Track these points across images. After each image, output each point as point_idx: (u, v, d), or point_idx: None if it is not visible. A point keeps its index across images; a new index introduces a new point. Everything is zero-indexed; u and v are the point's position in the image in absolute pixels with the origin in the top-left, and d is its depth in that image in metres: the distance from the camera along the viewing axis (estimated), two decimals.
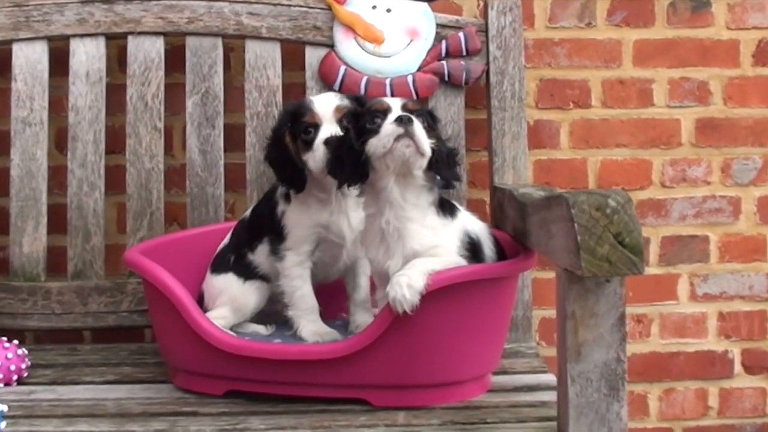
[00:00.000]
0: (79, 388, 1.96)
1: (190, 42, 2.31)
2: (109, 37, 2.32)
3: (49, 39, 2.31)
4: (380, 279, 1.84)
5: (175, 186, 2.40)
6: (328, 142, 1.87)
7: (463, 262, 1.76)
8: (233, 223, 2.15)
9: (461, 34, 2.30)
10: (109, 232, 2.38)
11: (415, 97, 2.28)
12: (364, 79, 2.28)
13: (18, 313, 2.26)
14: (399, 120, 1.69)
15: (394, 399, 1.77)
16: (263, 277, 2.04)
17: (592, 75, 2.47)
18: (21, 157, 2.29)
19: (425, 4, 2.31)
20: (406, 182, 1.75)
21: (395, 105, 1.75)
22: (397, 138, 1.68)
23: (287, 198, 2.00)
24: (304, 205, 1.97)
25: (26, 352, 2.02)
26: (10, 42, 2.30)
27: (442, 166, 1.76)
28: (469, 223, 1.85)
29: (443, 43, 2.30)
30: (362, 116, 1.77)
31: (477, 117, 2.38)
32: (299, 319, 1.99)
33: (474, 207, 2.32)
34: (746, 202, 2.49)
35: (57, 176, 2.34)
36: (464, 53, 2.30)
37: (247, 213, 2.13)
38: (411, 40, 2.29)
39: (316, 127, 1.93)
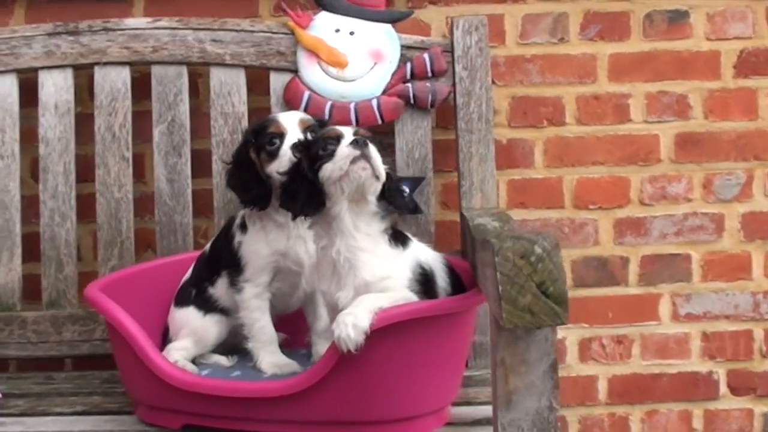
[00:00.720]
0: (47, 420, 2.03)
1: (156, 71, 2.35)
2: (77, 68, 2.36)
3: (18, 72, 2.36)
4: (331, 312, 1.86)
5: (148, 213, 2.42)
6: (295, 146, 1.90)
7: (413, 296, 1.77)
8: (194, 254, 2.19)
9: (426, 56, 2.30)
10: (87, 259, 2.45)
11: (380, 121, 2.30)
12: (328, 104, 2.30)
13: None
14: (355, 143, 1.73)
15: None
16: (223, 311, 2.08)
17: (566, 91, 2.46)
18: None
19: (389, 26, 2.31)
20: (359, 209, 1.77)
21: (347, 132, 1.78)
22: (354, 160, 1.72)
23: (243, 228, 2.04)
24: (262, 232, 2.01)
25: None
26: None
27: (395, 195, 1.80)
28: (421, 253, 1.86)
29: (408, 65, 2.30)
30: (314, 145, 1.80)
31: (448, 137, 2.38)
32: (258, 351, 2.02)
33: (447, 229, 2.37)
34: (730, 218, 2.46)
35: (33, 205, 2.39)
36: (430, 74, 2.30)
37: (207, 246, 2.16)
38: (375, 63, 2.31)
39: (282, 136, 1.98)
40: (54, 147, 2.36)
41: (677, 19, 2.43)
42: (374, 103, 2.30)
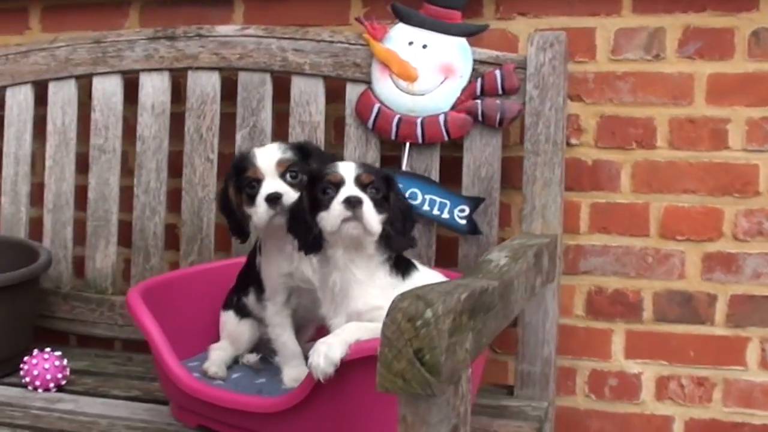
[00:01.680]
0: (99, 401, 2.22)
1: (241, 77, 2.49)
2: (172, 72, 2.54)
3: (123, 73, 2.58)
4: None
5: None
6: (269, 199, 1.97)
7: None
8: (237, 260, 2.32)
9: (498, 72, 2.27)
10: (174, 251, 2.63)
11: (446, 137, 2.31)
12: (396, 117, 2.33)
13: (88, 321, 2.60)
14: (347, 202, 1.77)
15: None
16: (256, 317, 2.20)
17: (658, 112, 2.34)
18: (97, 181, 2.60)
19: (463, 40, 2.31)
20: (356, 252, 1.83)
21: (349, 176, 1.81)
22: (345, 220, 1.78)
23: (261, 250, 2.15)
24: (271, 255, 2.10)
25: (66, 362, 2.30)
26: (90, 75, 2.60)
27: (393, 240, 1.82)
28: (423, 281, 1.84)
29: (479, 81, 2.29)
30: (317, 180, 1.84)
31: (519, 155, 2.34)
32: (282, 365, 2.12)
33: None
34: None
35: (128, 197, 2.60)
36: (500, 92, 2.27)
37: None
38: (445, 78, 2.31)
39: (259, 181, 2.03)
40: (149, 145, 2.56)
41: None
42: (441, 118, 2.30)
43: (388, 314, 1.39)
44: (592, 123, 2.40)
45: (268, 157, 2.04)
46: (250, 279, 2.18)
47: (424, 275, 1.90)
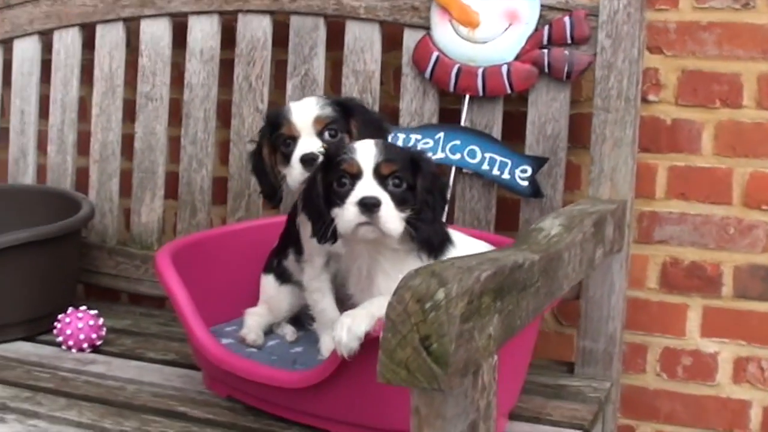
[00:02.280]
0: (132, 364, 2.16)
1: (294, 21, 2.37)
2: (222, 14, 2.44)
3: (171, 16, 2.49)
4: None
5: None
6: (304, 160, 1.84)
7: None
8: (277, 219, 2.22)
9: (567, 19, 2.10)
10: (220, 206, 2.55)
11: (509, 89, 2.16)
12: (456, 67, 2.19)
13: (133, 278, 2.54)
14: (362, 205, 1.62)
15: None
16: (297, 283, 2.09)
17: (746, 68, 2.16)
18: (143, 130, 2.53)
19: None
20: (378, 246, 1.69)
21: (367, 166, 1.65)
22: (360, 224, 1.63)
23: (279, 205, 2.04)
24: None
25: (101, 322, 2.25)
26: (138, 18, 2.52)
27: (422, 230, 1.66)
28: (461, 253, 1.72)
29: (546, 29, 2.13)
30: (333, 165, 1.69)
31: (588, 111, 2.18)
32: (320, 333, 2.02)
33: None
34: None
35: (175, 148, 2.54)
36: (570, 41, 2.11)
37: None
38: (510, 24, 2.15)
39: (294, 139, 1.89)
40: (197, 93, 2.48)
41: None
42: (504, 69, 2.16)
43: (395, 293, 1.24)
44: (672, 78, 2.23)
45: (304, 112, 1.90)
46: (289, 240, 2.08)
47: (462, 250, 1.75)
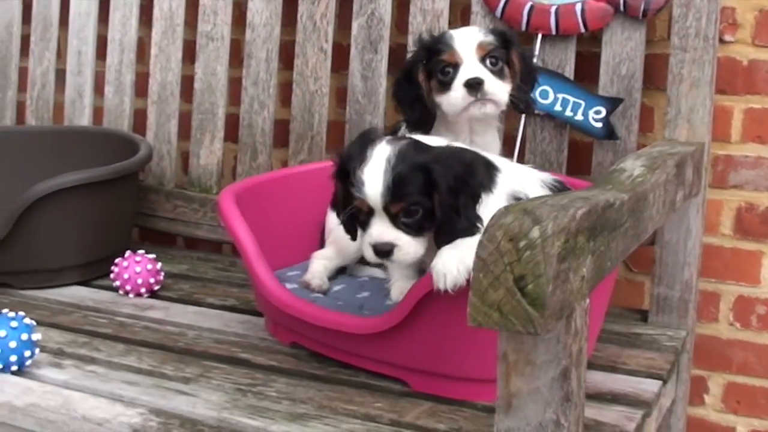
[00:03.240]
0: (191, 310, 2.19)
1: None
2: None
3: None
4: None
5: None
6: (470, 84, 1.87)
7: None
8: None
9: None
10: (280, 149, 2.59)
11: (583, 29, 2.17)
12: (528, 5, 2.20)
13: (191, 222, 2.58)
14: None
15: (435, 387, 1.75)
16: None
17: None
18: (203, 71, 2.56)
19: None
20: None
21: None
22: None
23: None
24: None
25: (159, 266, 2.28)
26: None
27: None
28: (516, 181, 1.76)
29: None
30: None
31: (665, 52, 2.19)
32: (394, 272, 2.02)
33: None
34: None
35: (234, 90, 2.58)
36: None
37: None
38: None
39: (456, 66, 1.91)
40: (259, 33, 2.50)
41: None
42: (578, 7, 2.16)
43: (486, 231, 1.23)
44: (749, 17, 2.22)
45: (467, 39, 1.92)
46: None
47: (517, 173, 1.80)
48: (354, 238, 1.77)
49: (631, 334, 2.09)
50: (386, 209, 1.65)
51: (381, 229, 1.66)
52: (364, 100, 2.40)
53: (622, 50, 2.17)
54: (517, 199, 1.71)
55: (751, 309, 2.31)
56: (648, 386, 1.84)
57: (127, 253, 2.28)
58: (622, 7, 2.15)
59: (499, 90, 1.88)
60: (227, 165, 2.66)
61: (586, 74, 2.23)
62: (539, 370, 1.31)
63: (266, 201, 2.17)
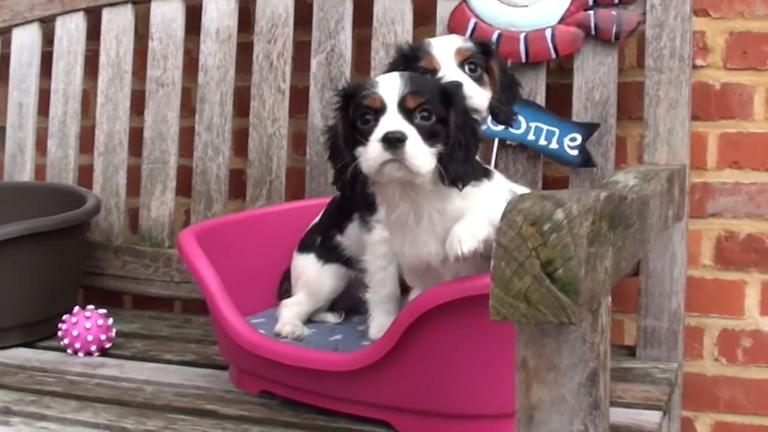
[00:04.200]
0: (147, 366, 2.07)
1: None
2: None
3: None
4: (415, 276, 1.71)
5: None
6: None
7: None
8: (310, 202, 2.17)
9: None
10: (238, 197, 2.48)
11: (554, 54, 2.13)
12: (496, 33, 2.16)
13: (142, 279, 2.45)
14: (386, 141, 1.51)
15: (425, 428, 1.63)
16: (346, 261, 2.01)
17: None
18: (153, 118, 2.46)
19: None
20: (412, 186, 1.58)
21: (391, 99, 1.54)
22: (385, 163, 1.52)
23: None
24: None
25: (111, 322, 2.15)
26: (149, 0, 2.47)
27: (452, 168, 1.54)
28: (513, 186, 1.68)
29: None
30: (354, 100, 1.58)
31: (636, 79, 2.18)
32: (374, 307, 1.94)
33: None
34: None
35: (185, 138, 2.48)
36: (617, 1, 2.09)
37: None
38: None
39: (434, 72, 1.83)
40: (212, 75, 2.42)
41: None
42: (548, 33, 2.13)
43: (503, 217, 1.12)
44: (719, 41, 2.21)
45: (446, 45, 1.85)
46: (352, 208, 1.97)
47: (501, 185, 1.67)
48: (352, 189, 1.60)
49: (620, 368, 2.00)
50: (402, 104, 1.53)
51: (393, 121, 1.52)
52: None
53: (595, 75, 2.14)
54: (515, 193, 1.57)
55: (736, 342, 2.24)
56: (649, 417, 1.77)
57: (76, 308, 2.15)
58: (593, 31, 2.12)
59: (478, 96, 1.79)
60: (179, 218, 2.54)
61: (559, 101, 2.19)
62: (564, 376, 1.18)
63: (227, 245, 2.06)
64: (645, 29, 2.09)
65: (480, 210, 1.55)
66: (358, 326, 2.00)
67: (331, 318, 2.05)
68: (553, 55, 2.15)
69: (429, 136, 1.53)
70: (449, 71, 1.80)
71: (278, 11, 2.36)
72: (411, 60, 1.86)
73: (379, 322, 1.91)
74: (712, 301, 2.25)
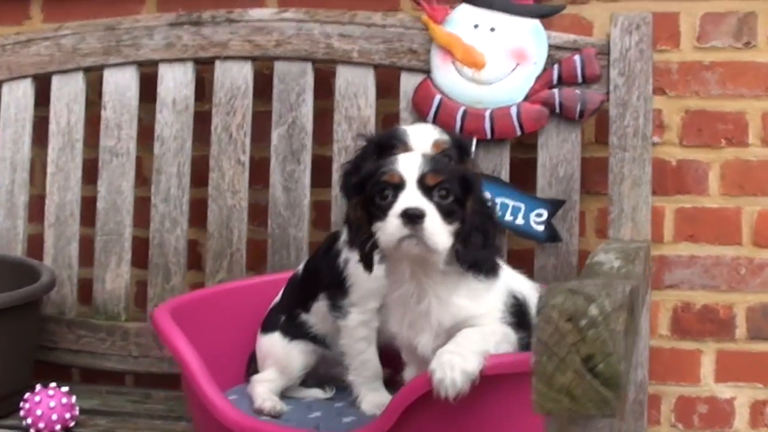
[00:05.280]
0: None
1: (278, 67, 2.34)
2: (197, 62, 2.38)
3: (139, 64, 2.41)
4: (410, 356, 1.72)
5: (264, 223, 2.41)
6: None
7: (510, 332, 1.61)
8: (283, 275, 2.15)
9: (577, 58, 2.15)
10: (197, 270, 2.46)
11: (519, 131, 2.18)
12: (461, 110, 2.20)
13: (97, 353, 2.39)
14: (405, 216, 1.54)
15: None
16: (314, 338, 2.02)
17: (750, 106, 2.25)
18: (107, 189, 2.41)
19: (536, 22, 2.19)
20: (425, 267, 1.61)
21: (411, 176, 1.58)
22: (403, 238, 1.55)
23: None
24: None
25: (74, 400, 2.09)
26: (101, 67, 2.42)
27: (470, 250, 1.59)
28: (514, 281, 1.70)
29: (555, 68, 2.17)
30: (374, 178, 1.62)
31: (598, 155, 2.24)
32: (360, 387, 1.95)
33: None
34: None
35: (143, 208, 2.43)
36: (581, 80, 2.16)
37: (300, 268, 2.10)
38: (517, 64, 2.19)
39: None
40: (169, 146, 2.39)
41: None
42: (513, 110, 2.18)
43: (540, 313, 1.18)
44: (676, 119, 2.29)
45: (422, 135, 1.86)
46: (316, 287, 1.99)
47: (513, 275, 1.72)
48: (369, 265, 1.65)
49: None
50: (421, 181, 1.56)
51: (412, 197, 1.55)
52: (287, 212, 2.31)
53: (559, 152, 2.19)
54: (516, 298, 1.65)
55: (693, 409, 2.32)
56: None
57: (38, 387, 2.08)
58: (557, 109, 2.17)
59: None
60: (132, 290, 2.47)
61: (523, 178, 2.23)
62: None
63: (198, 319, 2.03)
64: (608, 108, 2.15)
65: (475, 333, 1.58)
66: (335, 403, 2.01)
67: (320, 394, 2.05)
68: (519, 133, 2.19)
69: (447, 214, 1.57)
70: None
71: (237, 83, 2.35)
72: (386, 148, 1.86)
73: (371, 399, 1.93)
74: (669, 370, 2.31)
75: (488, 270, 1.63)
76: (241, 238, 2.34)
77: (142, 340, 2.36)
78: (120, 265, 2.39)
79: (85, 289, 2.49)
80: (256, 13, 2.36)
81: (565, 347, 1.16)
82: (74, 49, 2.44)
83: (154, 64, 2.41)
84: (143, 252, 2.41)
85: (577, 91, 2.16)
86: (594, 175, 2.24)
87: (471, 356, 1.53)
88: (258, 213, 2.41)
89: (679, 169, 2.29)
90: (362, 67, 2.29)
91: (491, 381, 1.51)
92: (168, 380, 2.37)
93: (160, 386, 2.38)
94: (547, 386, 1.16)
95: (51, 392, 2.07)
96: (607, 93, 2.15)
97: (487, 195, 1.71)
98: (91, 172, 2.46)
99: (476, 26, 2.21)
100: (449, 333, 1.61)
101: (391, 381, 1.97)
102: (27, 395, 2.07)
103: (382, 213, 1.58)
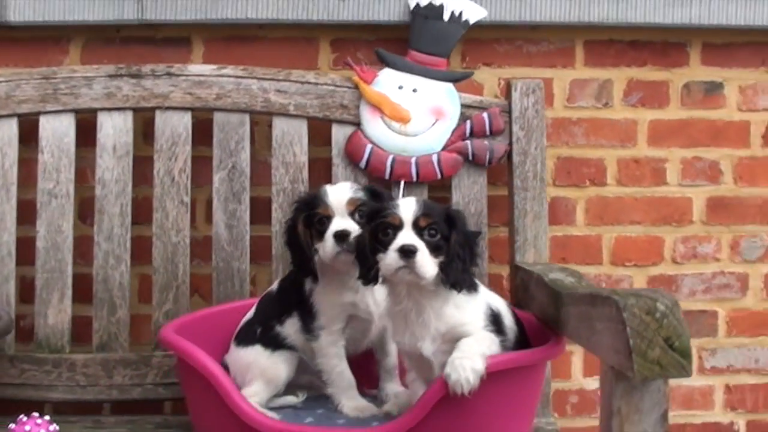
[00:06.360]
0: None
1: (218, 117, 2.55)
2: (137, 111, 2.54)
3: (77, 112, 2.53)
4: (412, 360, 2.10)
5: (198, 257, 2.61)
6: (338, 235, 2.12)
7: (494, 337, 2.01)
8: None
9: (485, 115, 2.56)
10: (132, 303, 2.58)
11: (439, 175, 2.55)
12: (390, 157, 2.54)
13: (42, 385, 2.49)
14: (402, 251, 1.94)
15: None
16: (292, 348, 2.26)
17: (608, 153, 2.76)
18: (47, 228, 2.50)
19: (450, 85, 2.57)
20: (419, 287, 2.00)
21: (407, 218, 1.97)
22: (399, 269, 1.95)
23: (315, 277, 2.23)
24: (331, 285, 2.21)
25: (57, 428, 2.16)
26: (37, 114, 2.52)
27: (451, 275, 1.98)
28: (489, 297, 2.10)
29: (468, 123, 2.56)
30: (378, 216, 2.00)
31: (497, 193, 2.63)
32: (339, 396, 2.22)
33: (492, 282, 2.60)
34: (753, 278, 2.80)
35: (80, 246, 2.56)
36: (488, 133, 2.56)
37: (274, 286, 2.36)
38: (436, 120, 2.56)
39: (329, 218, 2.17)
40: (111, 189, 2.53)
41: (712, 90, 2.77)
42: (435, 158, 2.55)
43: (625, 310, 1.67)
44: (550, 164, 2.74)
45: (339, 195, 2.17)
46: (288, 306, 2.26)
47: (488, 292, 2.13)
48: (368, 282, 2.03)
49: None
50: (415, 222, 1.97)
51: (408, 236, 1.95)
52: (231, 247, 2.54)
53: (470, 192, 2.59)
54: (492, 310, 2.06)
55: (566, 400, 2.78)
56: None
57: (23, 417, 2.14)
58: (470, 157, 2.56)
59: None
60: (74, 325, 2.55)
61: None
62: (645, 416, 1.74)
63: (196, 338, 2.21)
64: (512, 156, 2.57)
65: (472, 341, 1.98)
66: (316, 410, 2.25)
67: (293, 399, 2.28)
68: (439, 176, 2.57)
69: (434, 249, 1.99)
70: (341, 219, 2.16)
71: (178, 130, 2.54)
72: (310, 207, 2.20)
73: (350, 405, 2.22)
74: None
75: (468, 287, 2.04)
76: (185, 272, 2.53)
77: (90, 371, 2.48)
78: (62, 300, 2.50)
79: (24, 327, 2.57)
80: (195, 68, 2.57)
81: (650, 332, 1.67)
82: (8, 95, 2.52)
83: (93, 111, 2.53)
84: (86, 288, 2.53)
85: (486, 142, 2.57)
86: (495, 211, 2.64)
87: (477, 358, 1.93)
88: (199, 249, 2.60)
89: (553, 204, 2.75)
90: (297, 119, 2.56)
91: (491, 376, 1.91)
92: (119, 407, 2.57)
93: (114, 412, 2.56)
94: (642, 359, 1.66)
95: (39, 421, 2.13)
96: (510, 144, 2.57)
97: (470, 228, 2.10)
98: (26, 212, 2.53)
99: (401, 87, 2.57)
100: (444, 337, 2.01)
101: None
102: (12, 426, 2.12)
103: (383, 247, 1.98)
